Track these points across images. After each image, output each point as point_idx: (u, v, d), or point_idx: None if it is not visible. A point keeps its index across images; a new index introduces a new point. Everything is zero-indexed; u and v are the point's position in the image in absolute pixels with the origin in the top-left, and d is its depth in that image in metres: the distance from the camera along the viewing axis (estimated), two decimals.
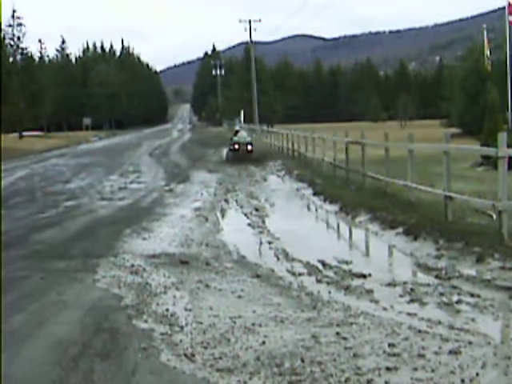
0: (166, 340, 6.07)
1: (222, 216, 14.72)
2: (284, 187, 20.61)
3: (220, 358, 5.59)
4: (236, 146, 31.53)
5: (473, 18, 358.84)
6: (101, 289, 8.09)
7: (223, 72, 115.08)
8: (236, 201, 16.88)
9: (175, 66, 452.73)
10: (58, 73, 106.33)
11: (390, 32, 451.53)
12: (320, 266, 9.13)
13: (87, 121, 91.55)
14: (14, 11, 72.71)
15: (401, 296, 7.49)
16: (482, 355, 5.46)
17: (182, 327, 6.45)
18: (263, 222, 13.57)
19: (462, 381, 4.96)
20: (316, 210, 16.05)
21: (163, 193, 19.06)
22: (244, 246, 10.77)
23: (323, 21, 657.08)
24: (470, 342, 5.79)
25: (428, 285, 7.90)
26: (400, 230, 11.17)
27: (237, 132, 33.73)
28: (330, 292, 7.76)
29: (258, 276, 8.62)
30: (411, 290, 7.73)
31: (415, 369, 5.22)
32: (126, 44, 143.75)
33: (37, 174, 27.45)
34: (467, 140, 30.37)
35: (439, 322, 6.40)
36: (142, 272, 8.89)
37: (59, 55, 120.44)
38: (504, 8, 34.30)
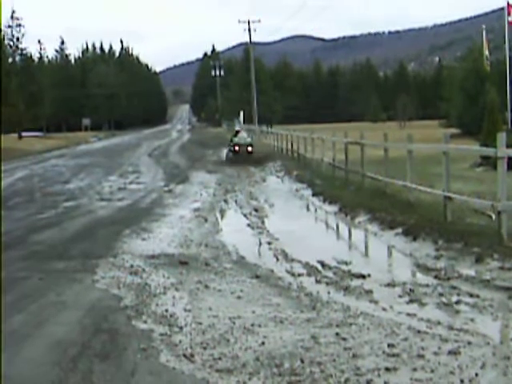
0: (166, 340, 6.07)
1: (222, 217, 14.72)
2: (283, 188, 20.61)
3: (219, 358, 5.59)
4: (236, 148, 31.05)
5: (472, 18, 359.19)
6: (100, 289, 8.09)
7: (222, 73, 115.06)
8: (235, 201, 16.88)
9: (174, 66, 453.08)
10: (58, 73, 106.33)
11: (390, 33, 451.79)
12: (319, 267, 9.12)
13: (86, 121, 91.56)
14: (13, 12, 72.71)
15: (400, 296, 7.49)
16: (482, 355, 5.46)
17: (181, 328, 6.44)
18: (262, 222, 13.56)
19: (462, 381, 4.96)
20: (315, 210, 16.05)
21: (162, 193, 19.06)
22: (243, 247, 10.77)
23: (322, 21, 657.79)
24: (470, 343, 5.79)
25: (427, 285, 7.90)
26: (399, 230, 11.17)
27: (237, 133, 33.20)
28: (329, 292, 7.76)
29: (257, 276, 8.62)
30: (410, 290, 7.73)
31: (414, 369, 5.22)
32: (125, 45, 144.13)
33: (36, 174, 27.45)
34: (466, 140, 30.39)
35: (438, 323, 6.40)
36: (142, 272, 8.89)
37: (58, 56, 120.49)
38: (503, 9, 34.36)
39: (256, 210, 15.17)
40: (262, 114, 72.03)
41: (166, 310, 7.04)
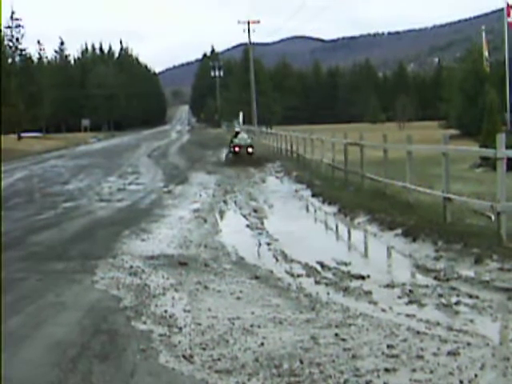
0: (165, 341, 6.07)
1: (221, 217, 14.72)
2: (283, 188, 20.60)
3: (219, 359, 5.58)
4: (236, 149, 30.70)
5: (472, 19, 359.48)
6: (99, 290, 8.09)
7: (222, 73, 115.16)
8: (235, 202, 16.87)
9: (174, 67, 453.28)
10: (57, 74, 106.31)
11: (389, 33, 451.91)
12: (319, 268, 9.12)
13: (86, 122, 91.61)
14: (12, 12, 72.75)
15: (399, 297, 7.49)
16: (481, 356, 5.46)
17: (180, 328, 6.44)
18: (262, 223, 13.56)
19: (461, 382, 4.96)
20: (315, 211, 16.05)
21: (162, 194, 19.05)
22: (243, 248, 10.76)
23: (322, 22, 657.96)
24: (469, 344, 5.79)
25: (427, 286, 7.90)
26: (399, 231, 11.17)
27: (237, 134, 32.79)
28: (328, 293, 7.75)
29: (256, 277, 8.62)
30: (410, 291, 7.73)
31: (414, 370, 5.22)
32: (124, 45, 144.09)
33: (35, 175, 27.45)
34: (466, 141, 30.44)
35: (438, 324, 6.40)
36: (141, 273, 8.89)
37: (58, 56, 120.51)
38: (503, 10, 34.36)
39: (255, 211, 15.17)
40: (261, 114, 72.12)
41: (166, 311, 7.04)
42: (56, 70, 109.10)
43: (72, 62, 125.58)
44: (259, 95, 74.98)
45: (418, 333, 6.12)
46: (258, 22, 70.38)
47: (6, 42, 71.35)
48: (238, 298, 7.59)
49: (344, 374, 5.16)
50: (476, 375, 5.07)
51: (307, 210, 16.47)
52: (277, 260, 9.83)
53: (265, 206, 16.21)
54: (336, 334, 6.13)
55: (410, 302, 7.26)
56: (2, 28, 69.25)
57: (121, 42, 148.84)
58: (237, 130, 35.89)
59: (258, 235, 12.19)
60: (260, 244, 11.32)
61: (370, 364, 5.36)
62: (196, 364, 5.50)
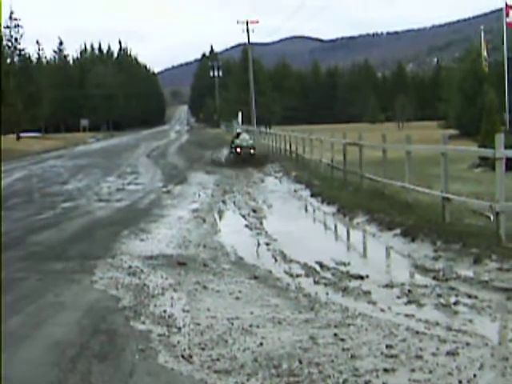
0: (164, 341, 6.07)
1: (220, 217, 14.73)
2: (282, 188, 20.60)
3: (218, 359, 5.59)
4: (238, 150, 30.13)
5: (471, 19, 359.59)
6: (98, 290, 8.09)
7: (221, 73, 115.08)
8: (233, 202, 16.87)
9: (173, 67, 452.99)
10: (56, 74, 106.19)
11: (388, 33, 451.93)
12: (318, 268, 9.12)
13: (85, 122, 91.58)
14: (11, 12, 72.75)
15: (398, 297, 7.49)
16: (480, 356, 5.47)
17: (179, 328, 6.44)
18: (261, 223, 13.56)
19: (460, 382, 4.96)
20: (314, 211, 16.05)
21: (161, 194, 19.05)
22: (242, 248, 10.77)
23: (321, 22, 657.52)
24: (468, 344, 5.79)
25: (425, 286, 7.91)
26: (397, 231, 11.17)
27: (238, 135, 32.29)
28: (327, 293, 7.76)
29: (255, 277, 8.62)
30: (409, 291, 7.73)
31: (413, 370, 5.23)
32: (123, 45, 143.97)
33: (34, 175, 27.45)
34: (465, 141, 30.47)
35: (437, 324, 6.40)
36: (140, 273, 8.89)
37: (57, 56, 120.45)
38: (501, 10, 34.40)
39: (254, 211, 15.17)
40: (260, 114, 72.03)
41: (165, 311, 7.04)
42: (55, 70, 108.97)
43: (71, 62, 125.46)
44: (258, 95, 74.89)
45: (417, 333, 6.12)
46: (257, 22, 70.23)
47: (4, 42, 71.29)
48: (237, 298, 7.59)
49: (343, 374, 5.17)
50: (475, 375, 5.08)
51: (306, 209, 16.48)
52: (276, 260, 9.83)
53: (264, 206, 16.21)
54: (335, 334, 6.13)
55: (409, 302, 7.27)
56: (1, 28, 69.26)
57: (120, 42, 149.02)
58: (238, 131, 35.64)
59: (256, 235, 12.19)
60: (259, 244, 11.32)
61: (368, 364, 5.37)
62: (195, 364, 5.50)
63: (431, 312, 6.89)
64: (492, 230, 9.65)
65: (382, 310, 6.96)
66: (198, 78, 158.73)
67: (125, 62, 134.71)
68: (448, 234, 10.08)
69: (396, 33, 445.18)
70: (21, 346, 6.03)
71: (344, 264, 9.31)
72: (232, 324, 6.54)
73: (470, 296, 7.36)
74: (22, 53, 75.88)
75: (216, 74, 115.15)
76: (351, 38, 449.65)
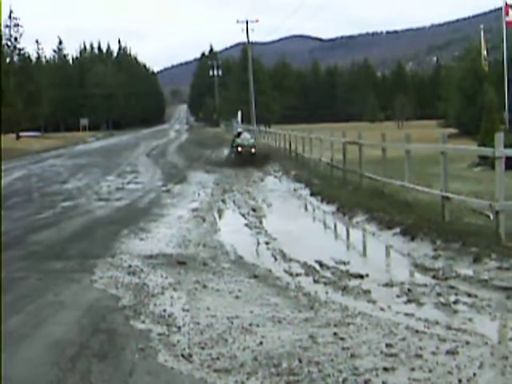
0: (164, 340, 6.07)
1: (220, 216, 14.73)
2: (281, 187, 20.59)
3: (217, 358, 5.59)
4: (239, 149, 29.91)
5: (470, 18, 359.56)
6: (98, 289, 8.09)
7: (220, 73, 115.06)
8: (233, 201, 16.87)
9: (172, 66, 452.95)
10: (56, 73, 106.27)
11: (388, 32, 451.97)
12: (317, 267, 9.12)
13: (84, 121, 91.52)
14: (11, 12, 72.77)
15: (398, 296, 7.49)
16: (480, 355, 5.47)
17: (179, 328, 6.44)
18: (260, 222, 13.56)
19: (460, 381, 4.96)
20: (313, 210, 16.05)
21: (160, 193, 19.06)
22: (241, 247, 10.77)
23: (320, 21, 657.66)
24: (468, 342, 5.80)
25: (425, 285, 7.91)
26: (397, 230, 11.17)
27: (239, 134, 32.06)
28: (327, 292, 7.76)
29: (255, 276, 8.62)
30: (408, 290, 7.73)
31: (412, 369, 5.23)
32: (123, 44, 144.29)
33: (34, 174, 27.45)
34: (464, 140, 30.46)
35: (436, 323, 6.40)
36: (140, 273, 8.89)
37: (56, 56, 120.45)
38: (501, 9, 34.39)
39: (254, 210, 15.17)
40: (260, 113, 72.05)
41: (164, 310, 7.04)
42: (54, 70, 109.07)
43: (70, 61, 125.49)
44: (258, 94, 74.90)
45: (417, 332, 6.13)
46: (257, 21, 70.25)
47: (4, 42, 71.32)
48: (237, 297, 7.59)
49: (343, 373, 5.17)
50: (475, 374, 5.08)
51: (306, 208, 16.47)
52: (275, 259, 9.83)
53: (263, 205, 16.21)
54: (335, 333, 6.14)
55: (409, 301, 7.27)
56: (1, 27, 69.27)
57: (119, 42, 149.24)
58: (239, 130, 35.49)
59: (256, 234, 12.19)
60: (259, 243, 11.32)
61: (368, 363, 5.37)
62: (195, 363, 5.50)
63: (431, 311, 6.90)
64: (492, 229, 9.65)
65: (382, 309, 6.96)
66: (197, 77, 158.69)
67: (124, 62, 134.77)
68: (448, 232, 10.07)
69: (395, 32, 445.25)
70: (21, 345, 6.03)
71: (344, 263, 9.31)
72: (232, 323, 6.54)
73: (469, 295, 7.37)
74: (22, 52, 75.94)
75: (216, 73, 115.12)
76: (351, 37, 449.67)
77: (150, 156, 37.52)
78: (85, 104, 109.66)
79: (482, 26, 45.44)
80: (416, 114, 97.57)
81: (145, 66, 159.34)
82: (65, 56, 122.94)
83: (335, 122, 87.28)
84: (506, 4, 32.72)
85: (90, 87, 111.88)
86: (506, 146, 9.77)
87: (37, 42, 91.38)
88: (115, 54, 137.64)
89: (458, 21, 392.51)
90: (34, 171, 29.10)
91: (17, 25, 73.46)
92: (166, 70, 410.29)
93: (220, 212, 15.36)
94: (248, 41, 71.17)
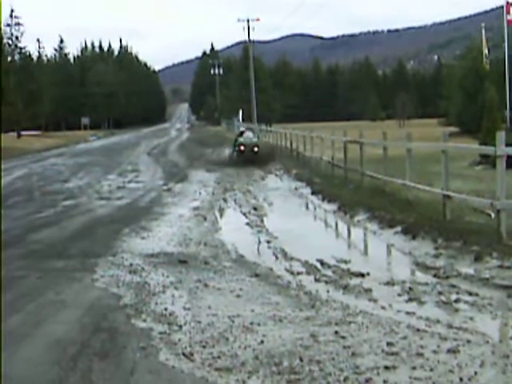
0: (165, 339, 6.07)
1: (221, 215, 14.72)
2: (282, 186, 20.60)
3: (219, 357, 5.59)
4: (242, 148, 29.59)
5: (471, 17, 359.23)
6: (99, 288, 8.09)
7: (221, 71, 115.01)
8: (234, 200, 16.87)
9: (173, 65, 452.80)
10: (57, 72, 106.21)
11: (389, 31, 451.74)
12: (318, 265, 9.12)
13: (85, 120, 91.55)
14: (12, 11, 72.78)
15: (399, 295, 7.49)
16: (481, 354, 5.47)
17: (180, 326, 6.45)
18: (262, 221, 13.56)
19: (461, 379, 4.96)
20: (314, 209, 16.05)
21: (161, 192, 19.06)
22: (242, 245, 10.76)
23: (321, 20, 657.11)
24: (469, 341, 5.79)
25: (426, 284, 7.90)
26: (398, 228, 11.17)
27: (242, 133, 31.75)
28: (328, 291, 7.76)
29: (256, 275, 8.62)
30: (410, 288, 7.73)
31: (414, 368, 5.23)
32: (124, 43, 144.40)
33: (35, 173, 27.45)
34: (465, 139, 30.39)
35: (438, 321, 6.40)
36: (141, 271, 8.89)
37: (57, 55, 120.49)
38: (502, 7, 34.39)
39: (255, 209, 15.17)
40: (261, 112, 72.01)
41: (166, 309, 7.04)
42: (55, 68, 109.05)
43: (71, 60, 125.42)
44: (259, 93, 74.86)
45: (418, 330, 6.12)
46: (258, 19, 70.26)
47: (5, 41, 71.33)
48: (238, 296, 7.59)
49: (344, 372, 5.17)
50: (476, 373, 5.08)
51: (307, 207, 16.47)
52: (276, 258, 9.83)
53: (264, 204, 16.21)
54: (336, 332, 6.13)
55: (410, 300, 7.27)
56: (2, 26, 69.30)
57: (120, 40, 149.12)
58: (242, 129, 35.37)
59: (257, 233, 12.19)
60: (260, 242, 11.32)
61: (369, 361, 5.37)
62: (196, 362, 5.50)
63: (432, 309, 6.89)
64: (493, 228, 9.65)
65: (383, 308, 6.96)
66: (198, 76, 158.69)
67: (125, 60, 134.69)
68: (449, 231, 10.07)
69: (397, 30, 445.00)
70: (21, 344, 6.03)
71: (345, 262, 9.31)
72: (233, 322, 6.54)
73: (470, 293, 7.36)
74: (23, 51, 75.94)
75: (217, 71, 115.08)
76: (352, 36, 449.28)
77: (151, 155, 37.52)
78: (86, 103, 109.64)
79: (483, 25, 45.44)
80: (417, 113, 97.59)
81: (146, 65, 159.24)
82: (66, 55, 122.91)
83: (336, 121, 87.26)
84: (508, 2, 32.74)
85: (91, 86, 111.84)
86: (507, 145, 9.75)
87: (38, 40, 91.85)
88: (116, 53, 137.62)
89: (459, 19, 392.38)
90: (35, 170, 29.10)
91: (18, 24, 73.51)
92: (167, 68, 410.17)
93: (221, 211, 15.36)
94: (249, 39, 71.19)
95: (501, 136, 9.71)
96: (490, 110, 27.56)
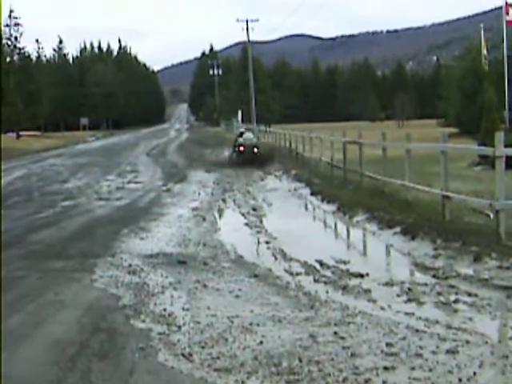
0: (164, 340, 6.07)
1: (220, 216, 14.73)
2: (281, 187, 20.60)
3: (218, 357, 5.59)
4: (241, 148, 29.45)
5: (470, 17, 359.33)
6: (98, 289, 8.09)
7: (221, 72, 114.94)
8: (233, 200, 16.88)
9: (172, 65, 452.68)
10: (56, 72, 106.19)
11: (388, 32, 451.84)
12: (318, 266, 9.12)
13: (84, 121, 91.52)
14: (11, 11, 72.79)
15: (398, 295, 7.49)
16: (480, 354, 5.47)
17: (179, 327, 6.45)
18: (261, 221, 13.56)
19: (460, 380, 4.96)
20: (313, 209, 16.05)
21: (161, 192, 19.06)
22: (241, 246, 10.76)
23: (320, 20, 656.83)
24: (468, 342, 5.79)
25: (425, 284, 7.90)
26: (397, 229, 11.17)
27: (242, 133, 31.49)
28: (327, 292, 7.76)
29: (255, 276, 8.62)
30: (409, 289, 7.73)
31: (413, 368, 5.23)
32: (123, 44, 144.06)
33: (34, 173, 27.45)
34: (464, 139, 30.43)
35: (437, 322, 6.40)
36: (140, 272, 8.89)
37: (56, 55, 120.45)
38: (501, 8, 34.40)
39: (254, 209, 15.17)
40: (260, 113, 71.95)
41: (165, 310, 7.04)
42: (54, 69, 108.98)
43: (71, 60, 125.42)
44: (258, 94, 74.79)
45: (417, 331, 6.13)
46: (257, 20, 70.18)
47: (4, 41, 71.33)
48: (237, 297, 7.59)
49: (343, 372, 5.17)
50: (475, 373, 5.08)
51: (306, 208, 16.47)
52: (276, 258, 9.83)
53: (264, 205, 16.21)
54: (335, 333, 6.14)
55: (409, 300, 7.27)
56: (1, 27, 69.29)
57: (119, 41, 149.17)
58: (242, 129, 35.28)
59: (256, 233, 12.19)
60: (259, 242, 11.32)
61: (368, 362, 5.37)
62: (195, 362, 5.50)
63: (431, 310, 6.89)
64: (492, 228, 9.65)
65: (382, 308, 6.96)
66: (197, 77, 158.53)
67: (124, 61, 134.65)
68: (448, 232, 10.08)
69: (396, 31, 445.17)
70: (21, 344, 6.03)
71: (344, 262, 9.31)
72: (232, 322, 6.54)
73: (469, 294, 7.36)
74: (22, 51, 75.89)
75: (216, 72, 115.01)
76: (351, 36, 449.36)
77: (150, 155, 37.52)
78: (85, 103, 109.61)
79: (482, 25, 45.45)
80: (416, 114, 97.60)
81: (145, 65, 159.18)
82: (65, 55, 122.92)
83: (335, 122, 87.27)
84: (507, 3, 32.75)
85: (90, 86, 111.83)
86: (506, 146, 9.76)
87: (37, 41, 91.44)
88: (115, 53, 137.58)
89: (458, 20, 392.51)
90: (34, 170, 29.10)
91: (17, 24, 73.57)
92: (166, 69, 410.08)
93: (220, 211, 15.36)
94: (248, 40, 71.13)
95: (500, 137, 9.71)
96: (489, 110, 27.57)
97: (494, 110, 28.31)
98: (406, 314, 6.72)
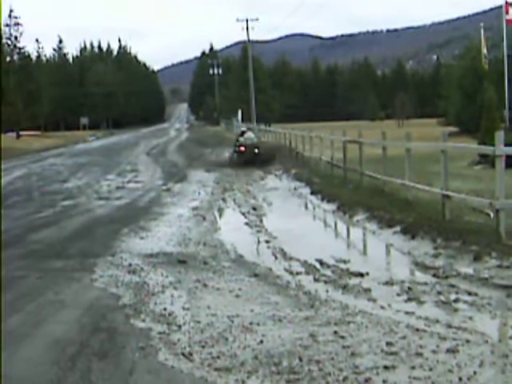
0: (164, 339, 6.07)
1: (220, 215, 14.73)
2: (282, 186, 20.59)
3: (218, 357, 5.59)
4: (242, 148, 29.14)
5: (470, 16, 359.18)
6: (98, 288, 8.09)
7: (221, 71, 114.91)
8: (233, 200, 16.87)
9: (172, 65, 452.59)
10: (56, 72, 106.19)
11: (388, 31, 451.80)
12: (318, 265, 9.12)
13: (84, 120, 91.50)
14: (11, 11, 72.78)
15: (398, 295, 7.49)
16: (480, 354, 5.47)
17: (179, 326, 6.44)
18: (261, 221, 13.56)
19: (460, 379, 4.96)
20: (313, 208, 16.05)
21: (161, 192, 19.06)
22: (241, 245, 10.76)
23: (320, 20, 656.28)
24: (468, 341, 5.79)
25: (425, 283, 7.90)
26: (398, 228, 11.17)
27: (243, 133, 31.29)
28: (327, 291, 7.76)
29: (255, 275, 8.62)
30: (409, 288, 7.73)
31: (413, 367, 5.23)
32: (123, 43, 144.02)
33: (34, 173, 27.44)
34: (464, 139, 30.42)
35: (437, 321, 6.40)
36: (140, 271, 8.89)
37: (56, 55, 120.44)
38: (501, 7, 34.39)
39: (254, 209, 15.17)
40: (260, 112, 71.99)
41: (165, 309, 7.04)
42: (54, 68, 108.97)
43: (70, 60, 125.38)
44: (258, 93, 74.82)
45: (417, 330, 6.12)
46: (257, 19, 70.24)
47: (4, 41, 71.33)
48: (237, 296, 7.59)
49: (343, 372, 5.17)
50: (475, 372, 5.08)
51: (306, 207, 16.47)
52: (276, 258, 9.83)
53: (264, 204, 16.20)
54: (335, 332, 6.13)
55: (409, 300, 7.27)
56: (1, 26, 69.29)
57: (119, 40, 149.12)
58: (243, 129, 35.14)
59: (256, 233, 12.19)
60: (259, 242, 11.32)
61: (369, 361, 5.37)
62: (195, 362, 5.50)
63: (431, 309, 6.89)
64: (492, 228, 9.65)
65: (382, 308, 6.96)
66: (197, 76, 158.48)
67: (124, 60, 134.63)
68: (448, 231, 10.07)
69: (396, 30, 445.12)
70: (21, 344, 6.03)
71: (344, 261, 9.31)
72: (232, 322, 6.54)
73: (469, 293, 7.36)
74: (22, 51, 75.90)
75: (216, 71, 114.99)
76: (351, 36, 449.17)
77: (150, 155, 37.51)
78: (85, 103, 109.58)
79: (482, 24, 45.38)
80: (416, 113, 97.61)
81: (145, 65, 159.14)
82: (65, 55, 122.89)
83: (335, 121, 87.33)
84: (507, 2, 32.74)
85: (90, 86, 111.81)
86: (506, 145, 9.75)
87: (37, 40, 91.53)
88: (115, 53, 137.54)
89: (458, 19, 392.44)
90: (34, 170, 29.09)
91: (17, 24, 73.53)
92: (166, 68, 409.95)
93: (220, 211, 15.36)
94: (248, 39, 71.15)
95: (500, 136, 9.71)
96: (489, 109, 27.56)
97: (493, 108, 28.28)
98: (406, 313, 6.72)
